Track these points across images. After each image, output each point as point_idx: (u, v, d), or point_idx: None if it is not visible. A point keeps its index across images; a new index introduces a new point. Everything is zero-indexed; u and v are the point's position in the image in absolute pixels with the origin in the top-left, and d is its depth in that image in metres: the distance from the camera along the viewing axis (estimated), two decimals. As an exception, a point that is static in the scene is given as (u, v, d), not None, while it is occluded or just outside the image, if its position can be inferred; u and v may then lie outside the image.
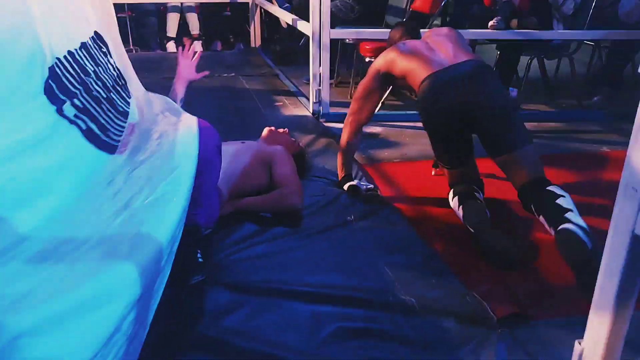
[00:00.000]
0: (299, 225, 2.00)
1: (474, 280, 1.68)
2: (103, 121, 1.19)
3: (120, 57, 2.33)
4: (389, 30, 2.46)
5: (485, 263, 1.80)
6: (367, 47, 3.61)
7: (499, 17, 3.33)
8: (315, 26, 3.24)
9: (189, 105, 3.47)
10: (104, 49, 1.74)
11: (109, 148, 1.15)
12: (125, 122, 1.29)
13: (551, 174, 2.12)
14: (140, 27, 5.51)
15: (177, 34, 5.56)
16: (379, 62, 2.22)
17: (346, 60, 4.23)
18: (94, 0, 2.47)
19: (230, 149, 2.12)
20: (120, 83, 1.53)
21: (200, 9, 5.65)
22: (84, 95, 1.17)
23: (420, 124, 2.16)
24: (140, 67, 4.55)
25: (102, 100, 1.25)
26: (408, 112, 3.48)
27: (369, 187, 2.32)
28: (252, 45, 5.49)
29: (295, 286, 1.61)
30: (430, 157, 2.63)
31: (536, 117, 3.46)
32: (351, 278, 1.67)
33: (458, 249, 1.91)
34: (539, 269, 1.78)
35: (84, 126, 1.11)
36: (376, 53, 3.60)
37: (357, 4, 4.14)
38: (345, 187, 2.29)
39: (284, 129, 2.46)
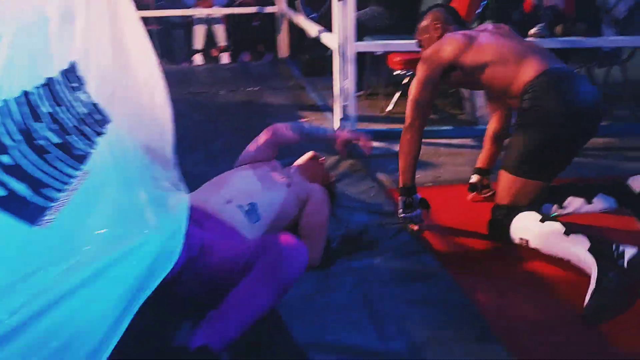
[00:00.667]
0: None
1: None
2: (40, 175, 1.01)
3: (114, 83, 2.17)
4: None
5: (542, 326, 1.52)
6: (397, 59, 3.38)
7: (542, 24, 3.04)
8: (340, 39, 3.03)
9: (211, 122, 3.37)
10: (75, 84, 1.61)
11: (34, 214, 0.96)
12: (78, 169, 1.11)
13: None
14: (166, 40, 5.43)
15: (204, 46, 5.45)
16: (448, 50, 1.93)
17: (376, 70, 4.00)
18: (99, 14, 2.34)
19: (265, 173, 1.91)
20: (90, 121, 1.36)
21: (227, 20, 5.53)
22: (22, 147, 1.00)
23: (457, 142, 1.93)
24: (168, 82, 4.51)
25: (51, 148, 1.08)
26: (443, 127, 3.22)
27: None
28: (281, 55, 5.33)
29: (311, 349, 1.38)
30: (467, 181, 2.39)
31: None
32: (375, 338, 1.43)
33: (507, 305, 1.63)
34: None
35: (2, 191, 0.93)
36: (407, 65, 3.40)
37: (389, 11, 3.91)
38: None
39: (323, 157, 2.21)
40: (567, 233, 1.59)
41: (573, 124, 1.74)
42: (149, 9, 5.03)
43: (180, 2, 5.40)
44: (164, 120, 1.53)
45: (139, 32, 2.52)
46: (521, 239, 1.72)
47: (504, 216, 1.77)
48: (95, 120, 1.74)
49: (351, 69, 3.06)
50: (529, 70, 1.78)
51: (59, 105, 1.22)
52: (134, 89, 2.37)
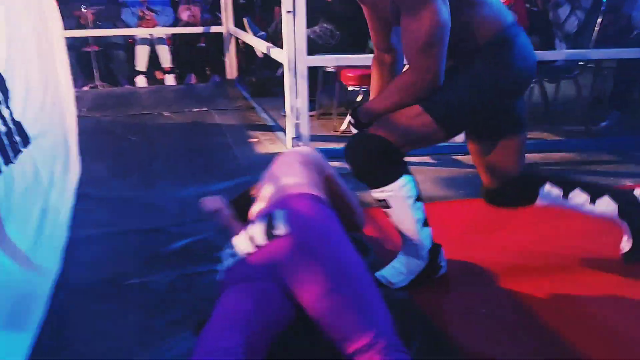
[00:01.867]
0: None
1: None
2: None
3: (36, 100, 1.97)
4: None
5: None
6: (350, 74, 3.26)
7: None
8: (290, 53, 2.86)
9: (151, 144, 3.13)
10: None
11: None
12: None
13: (566, 214, 1.76)
14: (107, 62, 5.14)
15: (147, 68, 5.19)
16: None
17: (328, 89, 3.86)
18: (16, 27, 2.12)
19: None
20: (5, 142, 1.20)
21: (172, 40, 5.30)
22: None
23: (416, 159, 1.78)
24: (105, 104, 4.20)
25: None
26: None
27: None
28: (228, 77, 5.13)
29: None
30: (449, 198, 2.26)
31: (542, 147, 3.09)
32: None
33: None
34: None
35: None
36: (360, 81, 3.27)
37: (337, 29, 3.79)
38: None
39: None
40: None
41: (517, 95, 1.60)
42: (86, 28, 4.76)
43: (122, 21, 5.14)
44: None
45: (61, 44, 2.27)
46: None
47: (373, 145, 1.51)
48: (11, 142, 1.58)
49: (303, 85, 2.89)
50: (498, 21, 1.50)
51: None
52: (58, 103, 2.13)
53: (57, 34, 3.10)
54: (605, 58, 3.42)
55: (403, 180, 1.56)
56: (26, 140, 1.81)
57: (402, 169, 1.59)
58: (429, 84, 1.44)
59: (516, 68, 1.50)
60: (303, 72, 2.88)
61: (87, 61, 4.90)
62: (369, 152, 1.52)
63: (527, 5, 3.16)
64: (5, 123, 1.69)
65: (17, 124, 1.79)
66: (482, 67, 1.49)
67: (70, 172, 2.32)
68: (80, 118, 3.52)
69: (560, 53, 3.10)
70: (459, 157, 2.99)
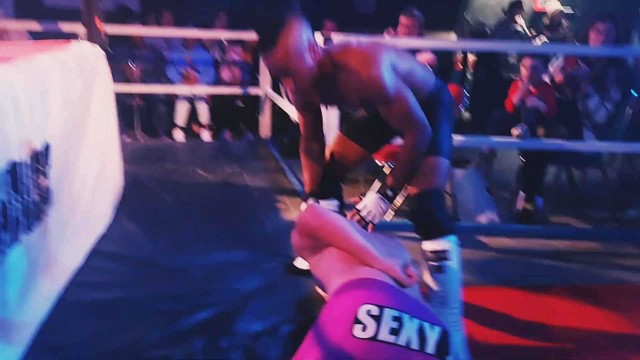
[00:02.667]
0: None
1: None
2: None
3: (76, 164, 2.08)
4: None
5: None
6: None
7: (524, 125, 3.05)
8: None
9: (183, 204, 3.24)
10: (42, 167, 1.56)
11: None
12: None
13: (588, 311, 1.75)
14: (149, 115, 5.38)
15: (185, 123, 5.41)
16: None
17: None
18: (74, 88, 2.27)
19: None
20: (32, 209, 1.30)
21: (211, 98, 5.54)
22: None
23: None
24: (144, 156, 4.38)
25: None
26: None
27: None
28: (262, 136, 5.30)
29: None
30: (470, 283, 2.27)
31: (567, 234, 3.09)
32: None
33: None
34: None
35: None
36: (387, 157, 3.35)
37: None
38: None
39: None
40: None
41: None
42: (132, 83, 5.02)
43: (166, 78, 5.41)
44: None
45: (111, 109, 2.43)
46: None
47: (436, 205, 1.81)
48: (38, 209, 1.69)
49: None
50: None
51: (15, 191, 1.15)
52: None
53: (107, 92, 3.32)
54: (634, 152, 3.44)
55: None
56: (50, 206, 1.92)
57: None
58: (426, 135, 1.80)
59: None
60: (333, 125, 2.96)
61: (130, 113, 5.14)
62: (433, 201, 1.80)
63: (557, 95, 3.22)
64: (39, 192, 1.81)
65: (48, 192, 1.91)
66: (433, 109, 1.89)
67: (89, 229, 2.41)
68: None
69: (589, 144, 3.14)
70: (484, 239, 3.00)
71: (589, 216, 3.44)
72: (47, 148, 1.89)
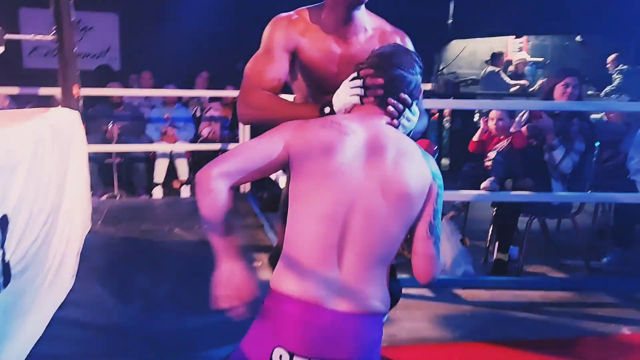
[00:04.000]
0: None
1: None
2: None
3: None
4: None
5: None
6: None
7: (492, 178, 3.12)
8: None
9: (158, 266, 3.21)
10: None
11: None
12: None
13: None
14: (127, 173, 5.40)
15: (164, 180, 5.43)
16: None
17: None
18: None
19: None
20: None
21: (191, 154, 5.59)
22: None
23: (414, 291, 1.83)
24: (120, 216, 4.37)
25: None
26: (399, 275, 3.13)
27: None
28: (241, 190, 5.33)
29: None
30: (427, 341, 2.26)
31: (541, 285, 3.11)
32: None
33: None
34: None
35: None
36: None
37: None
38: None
39: None
40: None
41: None
42: (111, 142, 5.06)
43: (145, 136, 5.46)
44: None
45: (83, 173, 2.41)
46: None
47: None
48: None
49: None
50: None
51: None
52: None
53: (81, 156, 3.35)
54: (602, 202, 3.52)
55: None
56: (7, 280, 1.90)
57: None
58: None
59: None
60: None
61: (108, 171, 5.16)
62: None
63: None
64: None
65: (6, 265, 1.89)
66: None
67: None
68: (93, 233, 3.69)
69: (557, 195, 3.21)
70: (459, 292, 3.01)
71: (563, 265, 3.47)
72: (4, 221, 1.89)
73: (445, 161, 6.99)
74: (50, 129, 2.58)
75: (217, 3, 6.57)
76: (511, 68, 7.81)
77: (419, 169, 1.33)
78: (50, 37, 3.23)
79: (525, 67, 7.84)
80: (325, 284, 1.26)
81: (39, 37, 3.34)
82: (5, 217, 1.89)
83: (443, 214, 3.75)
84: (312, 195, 1.28)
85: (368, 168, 1.29)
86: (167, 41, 6.36)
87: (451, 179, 5.68)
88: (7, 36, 3.05)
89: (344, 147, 1.29)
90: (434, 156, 3.40)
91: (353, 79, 1.46)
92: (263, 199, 4.93)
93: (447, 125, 7.37)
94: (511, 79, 7.44)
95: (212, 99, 5.92)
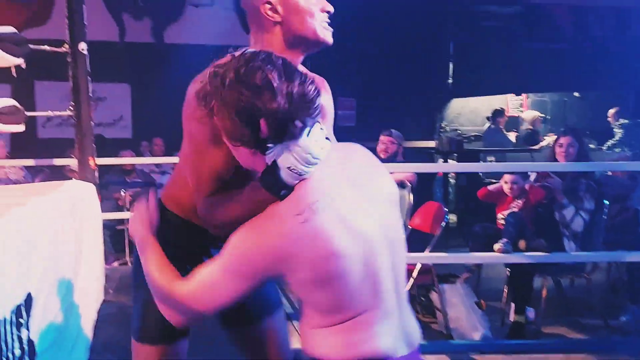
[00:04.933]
0: None
1: None
2: None
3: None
4: None
5: None
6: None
7: (505, 240, 3.14)
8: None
9: None
10: (23, 319, 1.55)
11: None
12: None
13: None
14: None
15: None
16: None
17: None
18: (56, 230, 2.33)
19: None
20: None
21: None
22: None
23: (431, 358, 1.78)
24: (130, 284, 4.35)
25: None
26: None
27: None
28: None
29: None
30: None
31: (561, 347, 3.05)
32: None
33: None
34: None
35: None
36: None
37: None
38: None
39: None
40: None
41: None
42: (123, 209, 5.12)
43: (156, 201, 5.53)
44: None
45: (98, 245, 2.45)
46: None
47: None
48: None
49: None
50: None
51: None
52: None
53: (96, 228, 3.39)
54: (615, 260, 3.53)
55: None
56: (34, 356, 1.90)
57: None
58: None
59: None
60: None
61: (120, 238, 5.19)
62: None
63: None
64: (21, 345, 1.80)
65: (31, 344, 1.90)
66: None
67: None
68: (106, 303, 3.67)
69: (571, 255, 3.21)
70: (477, 357, 2.96)
71: (581, 324, 3.42)
72: (29, 300, 1.91)
73: (452, 217, 7.00)
74: (68, 203, 2.64)
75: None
76: (527, 126, 7.81)
77: (386, 175, 1.26)
78: (68, 113, 3.35)
79: (541, 123, 7.87)
80: (387, 333, 1.14)
81: (57, 113, 3.46)
82: (29, 295, 1.91)
83: (457, 276, 3.78)
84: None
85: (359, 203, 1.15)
86: (176, 109, 6.53)
87: (460, 236, 5.72)
88: (28, 114, 3.16)
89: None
90: (443, 220, 3.46)
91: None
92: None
93: (452, 181, 7.45)
94: (529, 137, 7.44)
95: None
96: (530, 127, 7.76)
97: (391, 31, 7.04)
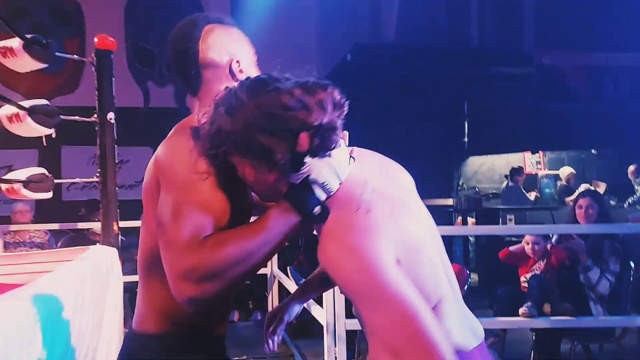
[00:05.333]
0: None
1: None
2: None
3: None
4: None
5: None
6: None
7: (530, 303, 3.07)
8: (329, 315, 3.00)
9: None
10: None
11: None
12: None
13: None
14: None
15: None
16: None
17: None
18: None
19: None
20: None
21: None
22: None
23: None
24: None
25: None
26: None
27: None
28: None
29: None
30: None
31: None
32: None
33: None
34: None
35: None
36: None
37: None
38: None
39: None
40: None
41: None
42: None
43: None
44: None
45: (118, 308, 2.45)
46: None
47: None
48: None
49: (341, 349, 2.96)
50: None
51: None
52: None
53: (116, 290, 3.41)
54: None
55: None
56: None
57: None
58: None
59: None
60: (342, 336, 2.97)
61: (139, 300, 5.18)
62: None
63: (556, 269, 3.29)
64: None
65: None
66: None
67: None
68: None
69: (598, 320, 3.13)
70: None
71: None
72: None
73: (474, 277, 6.88)
74: (91, 269, 2.67)
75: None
76: (562, 182, 7.72)
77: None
78: (95, 179, 3.45)
79: (575, 180, 7.77)
80: (459, 326, 1.09)
81: (84, 180, 3.55)
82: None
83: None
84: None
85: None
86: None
87: (482, 297, 5.60)
88: (57, 181, 3.26)
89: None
90: (466, 283, 3.41)
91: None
92: (292, 325, 4.84)
93: (472, 239, 7.37)
94: (565, 193, 7.37)
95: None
96: (565, 183, 7.70)
97: (406, 89, 7.22)
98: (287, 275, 4.97)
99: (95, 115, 3.36)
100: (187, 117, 1.28)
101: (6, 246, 4.57)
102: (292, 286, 4.58)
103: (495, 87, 7.82)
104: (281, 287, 5.42)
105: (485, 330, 3.54)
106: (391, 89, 7.14)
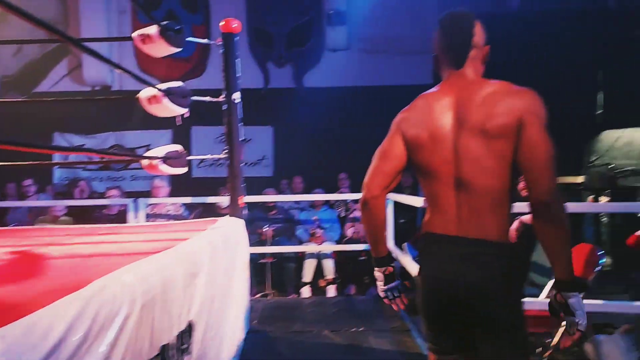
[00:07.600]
0: None
1: None
2: None
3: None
4: None
5: None
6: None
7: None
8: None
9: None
10: (185, 345, 1.70)
11: None
12: None
13: None
14: (279, 272, 5.72)
15: (312, 278, 5.64)
16: None
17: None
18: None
19: None
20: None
21: (336, 254, 5.78)
22: None
23: None
24: (274, 315, 4.59)
25: None
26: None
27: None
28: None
29: None
30: None
31: None
32: None
33: None
34: None
35: None
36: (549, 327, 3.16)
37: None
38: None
39: None
40: None
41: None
42: (266, 245, 5.44)
43: (295, 237, 5.80)
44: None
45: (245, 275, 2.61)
46: None
47: None
48: None
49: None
50: None
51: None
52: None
53: (244, 259, 3.66)
54: None
55: None
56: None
57: None
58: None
59: None
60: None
61: (261, 271, 5.51)
62: None
63: None
64: None
65: None
66: None
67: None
68: (251, 332, 3.92)
69: None
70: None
71: None
72: (190, 327, 2.11)
73: (607, 260, 6.37)
74: (221, 237, 2.89)
75: (360, 114, 7.03)
76: None
77: None
78: (223, 156, 3.69)
79: None
80: None
81: (215, 156, 3.82)
82: (190, 323, 2.12)
83: (615, 327, 3.43)
84: None
85: None
86: (314, 149, 6.89)
87: (617, 282, 5.17)
88: (189, 157, 3.54)
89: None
90: (598, 264, 3.17)
91: None
92: (409, 301, 4.85)
93: (604, 220, 6.80)
94: None
95: (356, 201, 6.18)
96: None
97: (531, 59, 6.76)
98: (401, 250, 4.97)
99: (223, 96, 3.59)
100: (497, 81, 1.82)
101: (147, 217, 5.09)
102: (407, 261, 4.58)
103: (635, 53, 7.05)
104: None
105: (620, 316, 3.30)
106: (515, 59, 6.74)
